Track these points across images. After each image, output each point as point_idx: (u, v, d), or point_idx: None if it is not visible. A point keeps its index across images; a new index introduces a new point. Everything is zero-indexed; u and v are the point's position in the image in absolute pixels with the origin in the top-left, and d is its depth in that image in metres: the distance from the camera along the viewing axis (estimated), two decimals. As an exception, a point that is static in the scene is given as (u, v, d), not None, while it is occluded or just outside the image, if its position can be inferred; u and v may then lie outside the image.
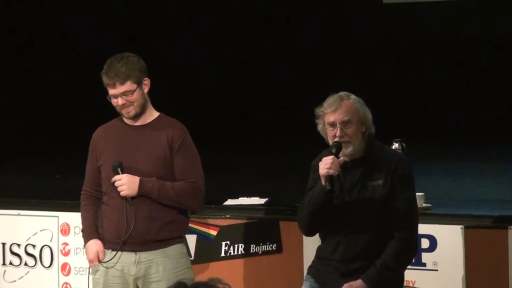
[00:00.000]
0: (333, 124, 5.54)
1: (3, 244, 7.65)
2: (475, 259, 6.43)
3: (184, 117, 6.20)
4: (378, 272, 5.53)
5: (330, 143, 5.58)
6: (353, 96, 5.62)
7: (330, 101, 5.59)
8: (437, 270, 6.52)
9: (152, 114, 6.03)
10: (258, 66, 12.82)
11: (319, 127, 5.62)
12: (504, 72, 11.92)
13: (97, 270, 5.98)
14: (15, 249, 7.61)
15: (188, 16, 13.16)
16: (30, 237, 7.57)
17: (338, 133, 5.53)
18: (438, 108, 12.09)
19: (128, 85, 5.87)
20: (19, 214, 7.61)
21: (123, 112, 5.94)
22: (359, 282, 5.51)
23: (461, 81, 12.07)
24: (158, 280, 5.88)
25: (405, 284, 5.92)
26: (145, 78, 5.94)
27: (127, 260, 5.91)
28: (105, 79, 5.89)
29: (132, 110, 5.92)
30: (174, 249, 5.96)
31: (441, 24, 12.36)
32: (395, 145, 6.55)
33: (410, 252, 5.70)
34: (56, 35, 12.75)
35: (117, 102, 5.90)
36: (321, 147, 5.70)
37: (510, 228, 6.31)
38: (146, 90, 5.95)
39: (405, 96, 12.09)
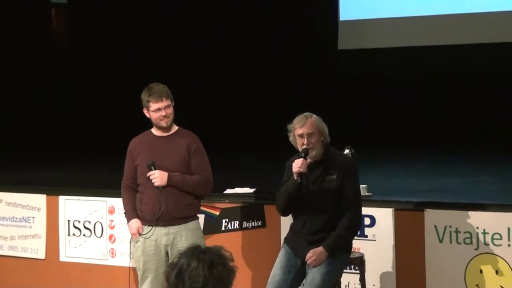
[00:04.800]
0: (301, 136, 5.61)
1: (68, 220, 7.65)
2: (401, 233, 6.43)
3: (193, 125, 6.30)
4: (334, 241, 5.59)
5: (299, 149, 5.65)
6: (314, 115, 5.70)
7: (298, 119, 5.66)
8: (375, 240, 6.50)
9: (173, 127, 6.08)
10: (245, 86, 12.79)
11: (291, 138, 5.69)
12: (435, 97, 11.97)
13: (137, 241, 6.05)
14: (76, 224, 7.62)
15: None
16: (87, 216, 7.58)
17: (305, 142, 5.60)
18: (381, 122, 12.08)
19: (169, 101, 5.95)
20: (79, 199, 7.62)
21: (163, 122, 5.99)
22: (320, 248, 5.57)
23: (403, 105, 12.01)
24: (181, 246, 5.89)
25: (352, 250, 5.94)
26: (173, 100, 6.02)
27: (160, 232, 5.98)
28: (152, 98, 5.94)
29: (168, 122, 5.99)
30: (192, 224, 6.05)
31: (388, 64, 12.31)
32: (347, 150, 6.50)
33: (356, 226, 5.78)
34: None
35: (161, 113, 5.95)
36: (293, 151, 5.77)
37: (425, 211, 6.32)
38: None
39: (355, 115, 12.12)
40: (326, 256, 5.56)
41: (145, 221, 6.02)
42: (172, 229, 5.99)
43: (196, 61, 12.95)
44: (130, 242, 6.31)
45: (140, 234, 6.02)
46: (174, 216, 5.97)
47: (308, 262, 5.58)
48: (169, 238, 5.99)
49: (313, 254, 5.57)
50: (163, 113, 5.95)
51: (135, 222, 6.03)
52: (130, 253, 6.33)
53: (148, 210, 5.99)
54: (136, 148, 6.11)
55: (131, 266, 6.52)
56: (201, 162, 6.03)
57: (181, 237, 5.99)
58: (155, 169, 5.93)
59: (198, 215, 6.22)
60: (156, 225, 5.97)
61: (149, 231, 6.00)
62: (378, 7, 12.18)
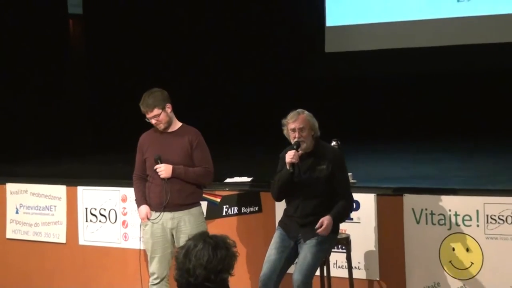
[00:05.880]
0: (294, 130, 5.64)
1: (86, 208, 7.66)
2: (383, 216, 6.45)
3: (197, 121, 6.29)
4: (336, 214, 5.60)
5: (292, 142, 5.68)
6: (306, 112, 5.72)
7: (291, 115, 5.69)
8: (360, 223, 6.50)
9: (177, 124, 6.09)
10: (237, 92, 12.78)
11: (284, 131, 5.72)
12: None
13: (146, 225, 6.10)
14: (93, 211, 7.63)
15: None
16: (102, 204, 7.59)
17: (297, 135, 5.63)
18: (365, 117, 12.06)
19: (156, 111, 5.94)
20: (95, 189, 7.63)
21: (157, 127, 6.03)
22: (328, 217, 5.54)
23: (384, 102, 12.01)
24: (185, 229, 5.97)
25: (340, 231, 5.96)
26: (167, 104, 5.97)
27: (166, 217, 6.01)
28: (141, 108, 5.98)
29: (161, 126, 6.01)
30: (195, 210, 6.07)
31: (371, 65, 12.26)
32: (333, 142, 6.47)
33: (352, 206, 5.84)
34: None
35: (151, 121, 6.00)
36: (286, 143, 5.80)
37: (404, 195, 6.33)
38: (169, 111, 5.99)
39: (341, 111, 12.11)
40: (331, 225, 5.54)
41: (153, 208, 6.06)
42: (177, 214, 6.02)
43: (201, 63, 12.97)
44: (140, 226, 6.33)
45: (148, 219, 6.06)
46: (178, 203, 6.00)
47: (317, 231, 5.52)
48: (174, 222, 6.03)
49: (323, 223, 5.51)
50: (153, 121, 5.99)
51: (144, 208, 6.07)
52: (141, 236, 6.35)
53: (156, 198, 6.03)
54: (145, 143, 6.13)
55: (141, 248, 6.54)
56: (202, 156, 6.04)
57: (185, 221, 6.02)
58: (161, 163, 5.96)
59: (202, 202, 6.23)
60: (163, 211, 6.01)
61: (157, 217, 6.03)
62: (361, 14, 12.18)
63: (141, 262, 6.63)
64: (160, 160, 5.97)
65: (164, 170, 5.94)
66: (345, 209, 5.69)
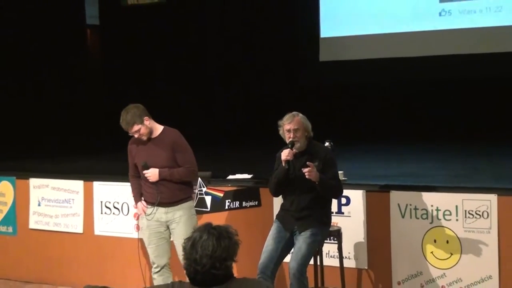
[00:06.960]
0: (289, 131, 5.63)
1: (101, 201, 7.65)
2: (371, 210, 6.44)
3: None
4: (325, 179, 5.53)
5: (287, 141, 5.67)
6: (300, 114, 5.71)
7: (287, 117, 5.68)
8: (350, 216, 6.50)
9: (158, 130, 6.01)
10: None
11: (280, 132, 5.71)
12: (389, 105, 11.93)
13: (142, 217, 6.11)
14: (107, 204, 7.63)
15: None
16: (116, 197, 7.58)
17: (292, 136, 5.62)
18: (355, 120, 12.03)
19: (136, 127, 5.88)
20: (109, 184, 7.63)
21: (140, 138, 5.98)
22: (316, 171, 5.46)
23: (373, 106, 11.98)
24: (178, 221, 5.99)
25: (332, 224, 5.95)
26: (145, 118, 5.88)
27: (160, 212, 6.04)
28: (122, 126, 5.91)
29: (144, 138, 5.96)
30: (186, 204, 6.05)
31: (361, 73, 12.23)
32: (327, 143, 6.48)
33: (339, 189, 5.74)
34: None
35: (134, 135, 5.94)
36: (282, 144, 5.80)
37: (390, 192, 6.34)
38: (147, 124, 5.91)
39: (334, 115, 12.10)
40: (318, 176, 5.47)
41: (147, 203, 6.10)
42: (170, 209, 6.03)
43: (204, 71, 12.95)
44: (137, 219, 6.34)
45: (144, 213, 6.09)
46: (170, 200, 6.01)
47: (304, 170, 5.46)
48: (168, 216, 6.04)
49: (311, 169, 5.45)
50: (135, 135, 5.95)
51: (140, 204, 6.11)
52: (140, 228, 6.35)
53: (149, 198, 6.05)
54: (133, 149, 6.11)
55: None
56: (184, 157, 5.98)
57: (178, 215, 6.02)
58: (148, 169, 5.95)
59: (206, 196, 6.21)
60: (157, 206, 6.04)
61: (151, 212, 6.05)
62: (352, 26, 12.20)
63: (146, 252, 6.59)
64: (146, 166, 5.96)
65: (151, 175, 5.93)
66: (333, 185, 5.57)
